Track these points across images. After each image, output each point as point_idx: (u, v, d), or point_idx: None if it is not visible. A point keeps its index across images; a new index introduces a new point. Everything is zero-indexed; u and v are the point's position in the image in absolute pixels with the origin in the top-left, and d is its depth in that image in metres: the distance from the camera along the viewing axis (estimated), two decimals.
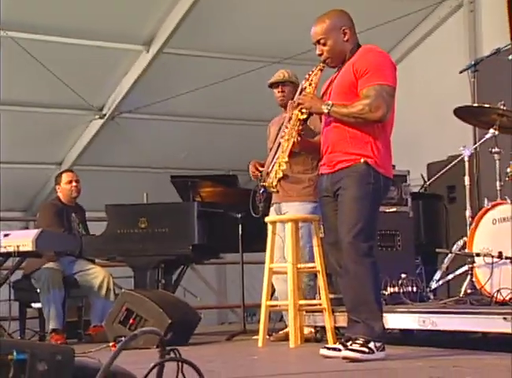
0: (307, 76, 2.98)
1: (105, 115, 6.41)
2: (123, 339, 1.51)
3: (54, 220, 4.63)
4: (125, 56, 5.97)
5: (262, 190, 3.74)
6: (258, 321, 3.74)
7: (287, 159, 3.05)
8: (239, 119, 6.80)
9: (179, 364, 1.33)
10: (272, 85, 4.04)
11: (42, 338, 4.46)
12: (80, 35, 5.65)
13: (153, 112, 6.52)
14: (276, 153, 3.20)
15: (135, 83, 6.13)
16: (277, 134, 3.77)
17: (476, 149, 3.86)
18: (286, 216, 3.79)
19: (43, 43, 5.54)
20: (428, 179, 4.73)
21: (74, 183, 4.79)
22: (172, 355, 1.32)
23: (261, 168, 3.77)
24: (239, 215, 4.41)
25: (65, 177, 4.82)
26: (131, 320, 3.74)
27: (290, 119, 3.04)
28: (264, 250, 3.65)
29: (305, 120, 3.02)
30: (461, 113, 3.64)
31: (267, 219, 3.70)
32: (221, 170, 5.90)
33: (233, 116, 6.82)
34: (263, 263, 3.64)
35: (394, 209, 3.98)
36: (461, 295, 3.50)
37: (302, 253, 3.74)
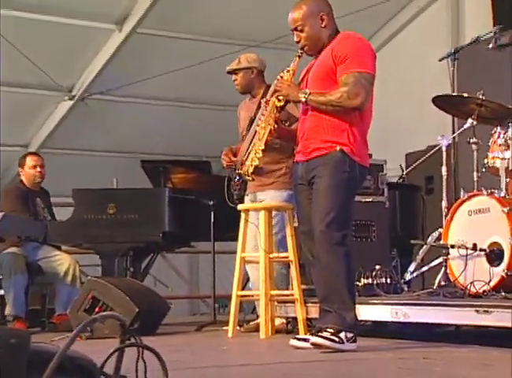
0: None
1: (74, 96, 6.36)
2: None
3: (18, 205, 4.59)
4: (97, 35, 5.92)
5: (237, 177, 3.77)
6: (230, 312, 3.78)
7: (263, 147, 3.08)
8: (214, 103, 6.78)
9: (140, 350, 1.33)
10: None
11: (1, 323, 4.42)
12: (50, 11, 5.57)
13: (125, 94, 6.47)
14: (251, 140, 3.22)
15: (106, 64, 6.09)
16: (250, 121, 3.79)
17: (454, 139, 3.90)
18: (258, 204, 3.81)
19: (9, 19, 5.46)
20: (407, 169, 4.78)
21: (38, 169, 4.71)
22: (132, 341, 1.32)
23: (233, 158, 3.79)
24: (212, 202, 4.42)
25: (30, 161, 4.75)
26: (96, 309, 3.73)
27: (266, 105, 3.06)
28: (237, 239, 3.67)
29: (282, 108, 3.03)
30: (440, 102, 3.66)
31: (240, 206, 3.71)
32: (194, 156, 5.91)
33: (208, 101, 6.80)
34: (236, 252, 3.66)
35: (370, 199, 4.00)
36: (434, 287, 3.53)
37: (275, 242, 3.76)
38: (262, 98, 3.45)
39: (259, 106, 3.47)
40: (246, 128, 3.86)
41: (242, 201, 3.91)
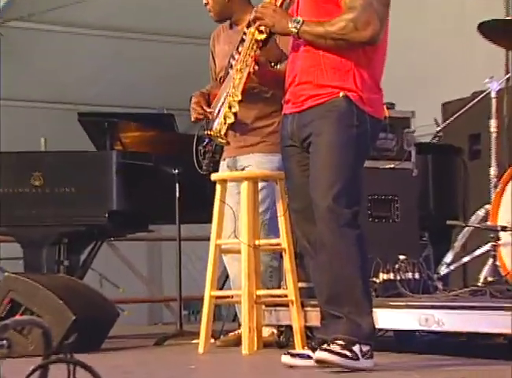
0: None
1: None
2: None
3: None
4: None
5: (206, 141, 3.78)
6: None
7: (240, 97, 3.08)
8: (179, 35, 6.77)
9: (71, 368, 1.34)
10: None
11: None
12: None
13: (54, 21, 6.44)
14: (225, 86, 3.21)
15: None
16: (229, 60, 3.77)
17: (508, 81, 3.92)
18: (240, 173, 3.81)
19: None
20: (443, 124, 4.80)
21: None
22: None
23: (207, 108, 3.78)
24: (177, 170, 4.44)
25: None
26: (17, 316, 3.72)
27: (242, 40, 3.07)
28: (211, 221, 3.68)
29: (264, 42, 3.05)
30: (490, 30, 3.67)
31: (214, 176, 3.72)
32: (151, 108, 5.88)
33: (170, 31, 6.79)
34: (210, 239, 3.68)
35: (391, 166, 4.03)
36: (479, 284, 3.59)
37: (262, 225, 3.79)
38: (248, 26, 3.43)
39: (241, 39, 3.46)
40: (226, 68, 3.84)
41: (217, 169, 3.92)
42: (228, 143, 3.33)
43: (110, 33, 6.79)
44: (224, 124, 3.13)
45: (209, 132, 3.22)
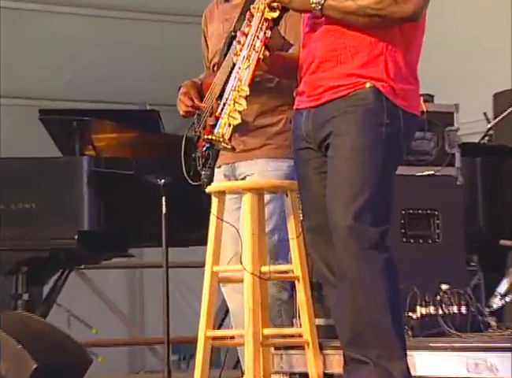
0: None
1: None
2: None
3: None
4: None
5: (206, 147, 3.76)
6: None
7: (247, 91, 3.03)
8: (163, 12, 6.85)
9: None
10: None
11: None
12: None
13: None
14: (227, 81, 3.19)
15: None
16: (229, 39, 3.76)
17: None
18: (241, 183, 3.77)
19: None
20: (495, 120, 4.79)
21: None
22: None
23: (198, 102, 3.77)
24: (163, 180, 4.50)
25: None
26: None
27: (250, 17, 3.04)
28: (206, 243, 3.64)
29: (276, 22, 3.02)
30: None
31: (209, 188, 3.71)
32: (132, 103, 5.88)
33: (152, 8, 6.86)
34: (205, 266, 3.66)
35: (430, 172, 4.03)
36: None
37: (270, 247, 3.78)
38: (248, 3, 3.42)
39: (243, 16, 3.45)
40: (221, 52, 3.85)
41: (211, 179, 3.87)
42: (233, 149, 3.25)
43: (81, 10, 6.84)
44: (229, 126, 3.05)
45: (207, 137, 3.15)
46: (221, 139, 3.06)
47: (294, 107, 3.10)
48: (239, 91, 3.05)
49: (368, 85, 2.86)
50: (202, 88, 3.90)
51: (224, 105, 3.09)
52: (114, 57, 7.04)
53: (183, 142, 3.95)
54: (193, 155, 3.92)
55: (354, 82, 2.88)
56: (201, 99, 3.84)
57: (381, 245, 2.85)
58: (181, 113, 3.91)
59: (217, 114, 3.14)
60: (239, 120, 3.07)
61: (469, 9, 6.25)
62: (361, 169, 2.86)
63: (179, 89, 3.93)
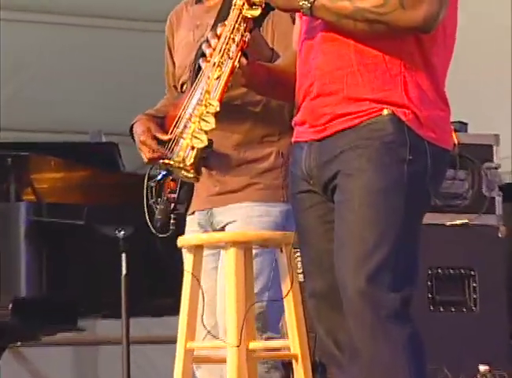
0: None
1: None
2: None
3: None
4: None
5: (161, 174, 3.76)
6: None
7: (217, 106, 3.02)
8: (122, 17, 6.92)
9: None
10: None
11: None
12: None
13: None
14: (192, 94, 3.21)
15: None
16: (198, 49, 3.78)
17: None
18: (225, 235, 3.77)
19: None
20: None
21: None
22: None
23: (162, 136, 3.78)
24: (122, 232, 4.52)
25: None
26: None
27: (220, 19, 3.11)
28: (178, 313, 3.65)
29: (257, 22, 3.07)
30: None
31: (182, 240, 3.71)
32: (82, 133, 5.89)
33: (107, 13, 6.93)
34: (175, 342, 3.65)
35: (464, 221, 4.07)
36: None
37: (256, 313, 3.76)
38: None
39: (218, 19, 3.51)
40: (191, 67, 3.86)
41: (182, 229, 3.88)
42: (197, 179, 3.22)
43: (18, 16, 6.89)
44: (192, 148, 3.03)
45: (167, 161, 3.09)
46: (182, 165, 3.04)
47: (293, 139, 3.09)
48: (206, 106, 3.04)
49: (385, 112, 2.86)
50: (165, 121, 3.90)
51: (188, 122, 3.07)
52: (59, 72, 7.10)
53: (146, 181, 3.97)
54: (158, 199, 3.93)
55: (368, 108, 2.88)
56: (166, 132, 3.82)
57: (403, 315, 2.83)
58: (145, 159, 3.92)
59: (177, 133, 3.10)
60: (204, 143, 3.04)
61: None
62: (376, 218, 2.86)
63: (130, 129, 3.93)
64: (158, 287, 4.37)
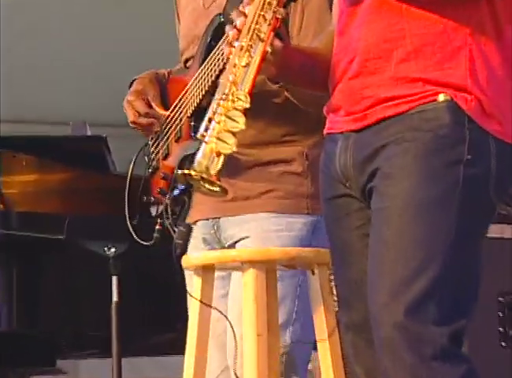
0: None
1: None
2: None
3: None
4: None
5: (179, 189, 3.79)
6: None
7: (247, 101, 3.04)
8: None
9: None
10: None
11: None
12: None
13: None
14: (213, 86, 3.27)
15: None
16: (212, 30, 3.85)
17: None
18: (241, 252, 3.82)
19: None
20: None
21: None
22: None
23: (161, 112, 3.84)
24: (113, 249, 4.63)
25: None
26: None
27: None
28: (183, 352, 3.69)
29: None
30: None
31: (186, 260, 3.76)
32: (63, 123, 6.01)
33: None
34: None
35: None
36: None
37: (280, 357, 3.82)
38: None
39: None
40: (201, 40, 4.03)
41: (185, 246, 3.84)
42: (225, 192, 3.16)
43: None
44: (218, 155, 3.01)
45: (186, 172, 3.06)
46: (205, 175, 3.01)
47: (325, 131, 3.08)
48: (233, 101, 3.04)
49: (442, 98, 2.90)
50: (167, 89, 3.94)
51: (210, 121, 3.05)
52: (40, 57, 7.23)
53: (141, 187, 4.02)
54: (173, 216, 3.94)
55: (420, 91, 2.91)
56: (164, 105, 3.90)
57: (453, 353, 2.84)
58: (129, 119, 3.98)
59: (198, 135, 3.09)
60: (232, 148, 3.03)
61: None
62: (420, 235, 2.88)
63: (130, 84, 3.99)
64: (157, 318, 4.43)
